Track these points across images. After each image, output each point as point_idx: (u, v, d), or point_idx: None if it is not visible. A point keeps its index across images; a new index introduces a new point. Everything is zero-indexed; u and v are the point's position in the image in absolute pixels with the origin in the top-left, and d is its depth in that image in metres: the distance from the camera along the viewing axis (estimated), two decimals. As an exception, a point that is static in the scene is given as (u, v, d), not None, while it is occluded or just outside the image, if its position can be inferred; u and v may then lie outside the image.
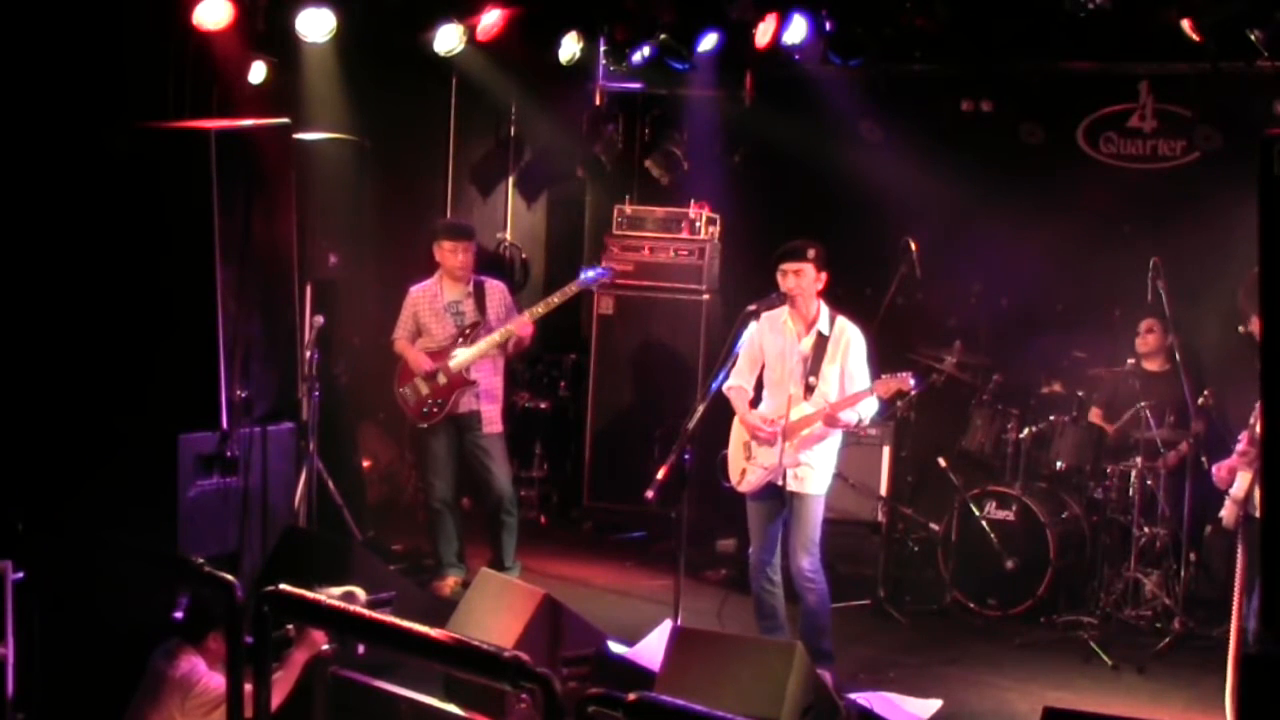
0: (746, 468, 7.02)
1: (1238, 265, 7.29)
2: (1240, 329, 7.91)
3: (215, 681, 5.12)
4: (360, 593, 5.40)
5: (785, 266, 6.86)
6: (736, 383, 7.02)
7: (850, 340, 6.93)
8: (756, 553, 7.04)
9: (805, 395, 6.87)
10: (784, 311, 6.95)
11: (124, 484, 6.56)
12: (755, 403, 7.08)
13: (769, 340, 6.99)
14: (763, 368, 7.06)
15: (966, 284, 9.17)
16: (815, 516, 6.91)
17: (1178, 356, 7.83)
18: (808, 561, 6.87)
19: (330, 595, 4.78)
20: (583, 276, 8.43)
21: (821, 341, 6.89)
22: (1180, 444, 7.87)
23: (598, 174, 10.78)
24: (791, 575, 6.93)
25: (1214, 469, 6.95)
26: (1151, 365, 8.29)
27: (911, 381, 6.90)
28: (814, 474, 6.90)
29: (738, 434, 7.12)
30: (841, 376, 6.88)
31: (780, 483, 6.87)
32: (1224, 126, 8.49)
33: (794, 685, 5.59)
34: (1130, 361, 8.31)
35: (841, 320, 6.97)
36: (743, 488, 7.06)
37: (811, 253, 6.87)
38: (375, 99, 8.95)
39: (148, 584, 5.86)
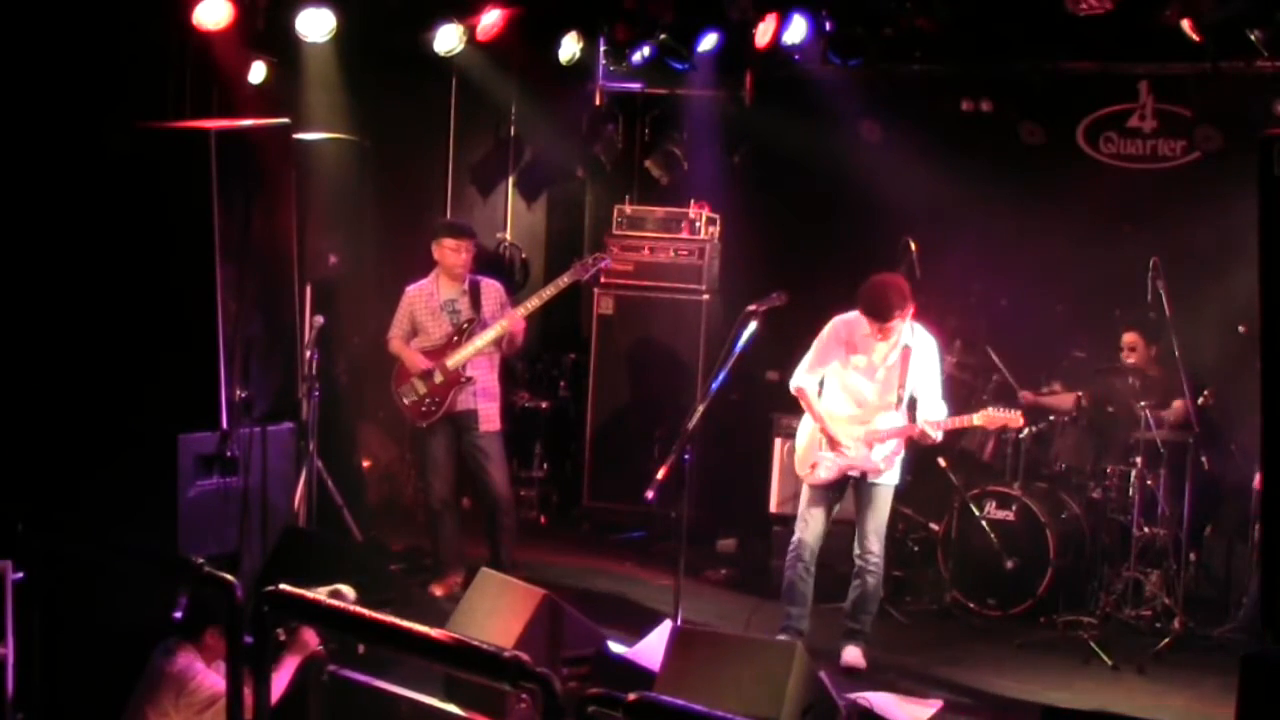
0: (818, 462, 7.19)
1: (1238, 265, 7.29)
2: (1240, 329, 7.93)
3: (210, 681, 5.13)
4: (348, 590, 5.41)
5: (877, 328, 7.02)
6: (809, 383, 7.20)
7: (929, 350, 7.18)
8: (808, 540, 7.21)
9: (895, 406, 7.09)
10: (864, 324, 7.06)
11: (124, 484, 6.56)
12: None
13: (852, 351, 7.16)
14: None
15: (966, 284, 9.17)
16: (888, 504, 7.24)
17: (1177, 354, 7.81)
18: (878, 546, 7.18)
19: (317, 594, 4.78)
20: (577, 266, 8.38)
21: (907, 352, 7.10)
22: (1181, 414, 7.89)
23: (598, 174, 10.79)
24: (859, 557, 7.17)
25: (1256, 476, 7.08)
26: (1148, 370, 8.28)
27: (1021, 420, 7.30)
28: (891, 469, 7.18)
29: (811, 429, 7.29)
30: (915, 386, 7.15)
31: (856, 475, 7.16)
32: (1224, 126, 8.48)
33: (794, 685, 5.60)
34: (1132, 348, 8.31)
35: (919, 329, 7.18)
36: (811, 481, 7.26)
37: (898, 314, 6.97)
38: (375, 99, 8.95)
39: (148, 584, 5.86)
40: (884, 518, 7.22)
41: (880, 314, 6.98)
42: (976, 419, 7.21)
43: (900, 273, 8.47)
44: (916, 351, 7.12)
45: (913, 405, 7.18)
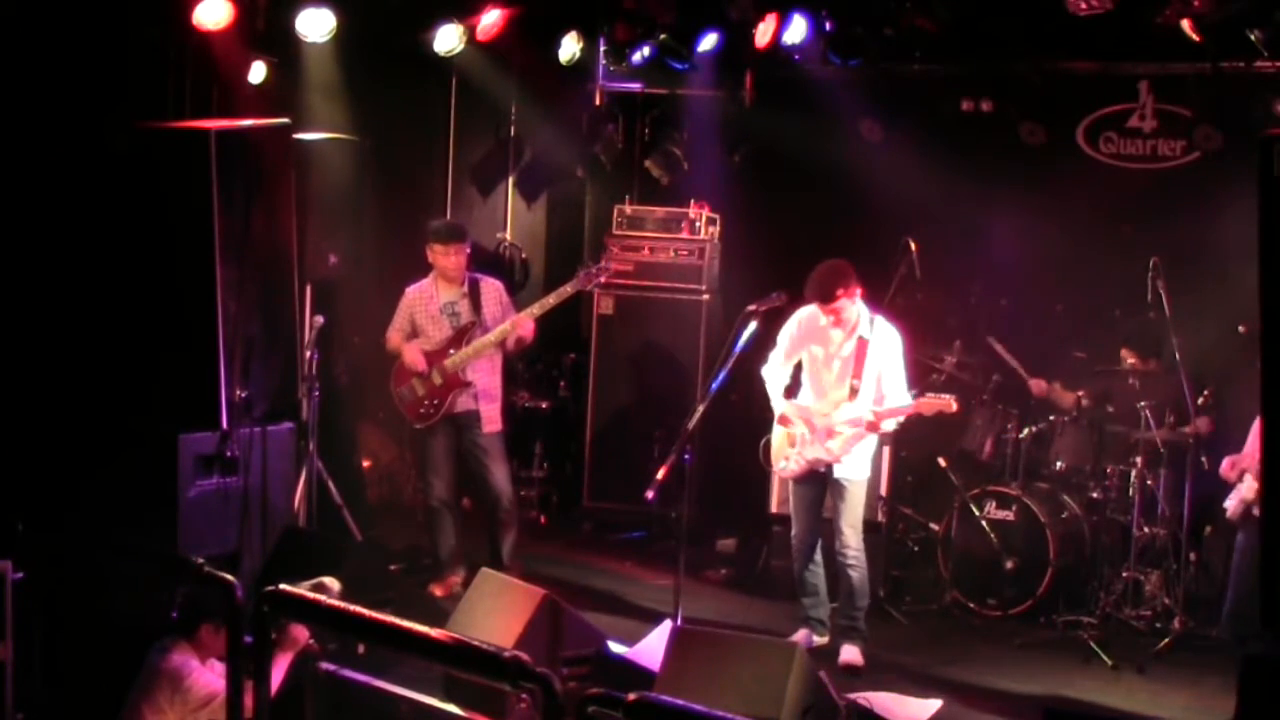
0: (790, 455, 7.26)
1: (1237, 265, 7.29)
2: (1240, 329, 7.92)
3: (205, 679, 5.14)
4: (333, 582, 5.41)
5: (824, 309, 7.07)
6: (771, 374, 7.29)
7: (889, 342, 7.17)
8: (802, 535, 7.34)
9: (850, 397, 7.11)
10: (820, 315, 7.14)
11: (124, 484, 6.57)
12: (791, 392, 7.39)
13: (811, 343, 7.23)
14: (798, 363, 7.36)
15: (966, 284, 9.17)
16: (860, 499, 7.26)
17: (1177, 356, 7.82)
18: (854, 540, 7.20)
19: (302, 588, 4.77)
20: (581, 275, 8.35)
21: (863, 345, 7.12)
22: (1186, 430, 7.89)
23: (598, 174, 10.79)
24: (835, 554, 7.23)
25: (1224, 461, 7.24)
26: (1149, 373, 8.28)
27: (955, 405, 7.17)
28: (858, 462, 7.21)
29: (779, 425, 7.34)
30: (878, 378, 7.13)
31: (823, 470, 7.19)
32: (1224, 126, 8.49)
33: (794, 685, 5.60)
34: (1130, 361, 8.30)
35: (880, 321, 7.20)
36: (783, 475, 7.41)
37: (840, 292, 7.03)
38: (375, 99, 8.95)
39: (148, 583, 5.87)
40: (858, 512, 7.25)
41: (823, 294, 7.04)
42: (916, 405, 7.13)
43: (900, 272, 8.50)
44: (875, 344, 7.13)
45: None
